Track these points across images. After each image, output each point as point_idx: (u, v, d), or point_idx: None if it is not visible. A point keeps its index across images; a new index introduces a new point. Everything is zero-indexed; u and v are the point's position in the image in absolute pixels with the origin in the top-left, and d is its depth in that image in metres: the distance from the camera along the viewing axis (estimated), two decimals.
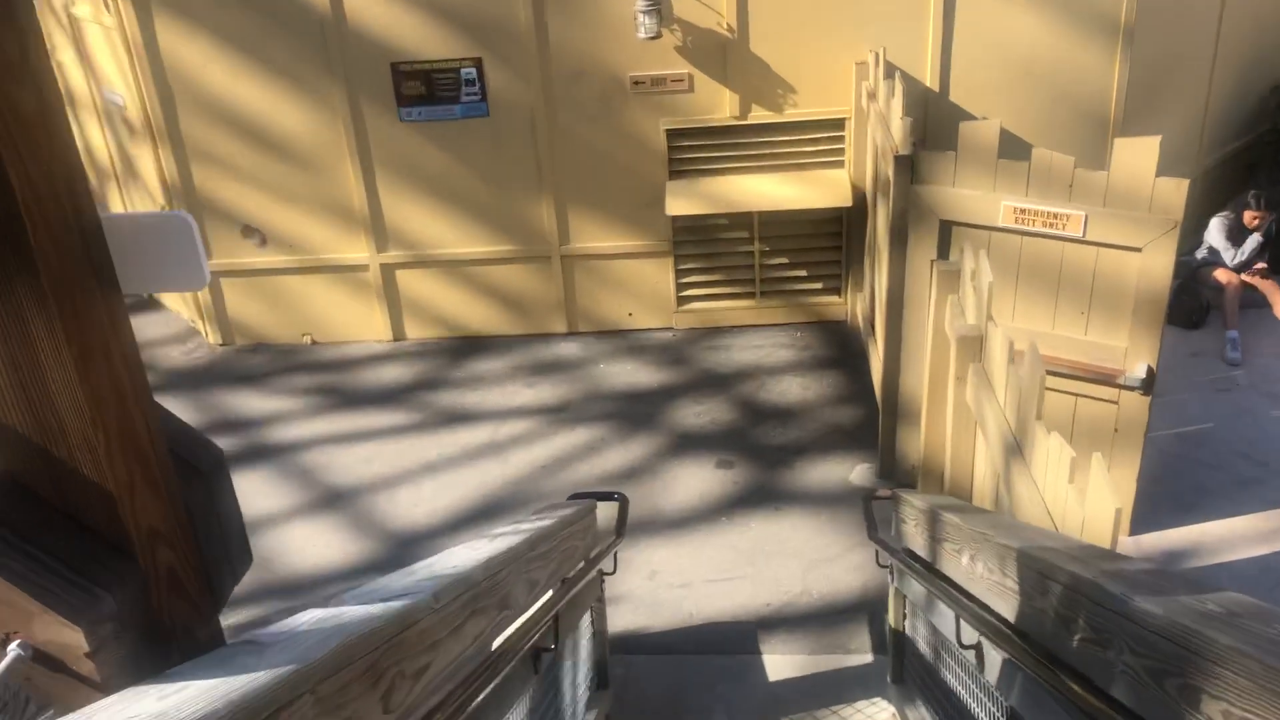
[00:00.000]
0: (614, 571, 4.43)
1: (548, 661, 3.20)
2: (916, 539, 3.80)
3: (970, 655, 2.84)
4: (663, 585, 5.49)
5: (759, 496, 6.07)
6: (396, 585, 2.07)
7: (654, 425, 6.76)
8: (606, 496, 4.70)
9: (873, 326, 6.88)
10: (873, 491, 4.48)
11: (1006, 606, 2.47)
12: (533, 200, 7.38)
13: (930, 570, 3.51)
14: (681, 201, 7.14)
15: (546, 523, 3.32)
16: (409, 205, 7.44)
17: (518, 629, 2.70)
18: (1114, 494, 2.64)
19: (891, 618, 4.50)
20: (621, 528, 4.48)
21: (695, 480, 6.23)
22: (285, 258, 7.63)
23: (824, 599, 5.34)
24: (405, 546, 5.88)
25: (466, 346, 7.78)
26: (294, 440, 6.83)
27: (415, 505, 6.19)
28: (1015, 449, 3.44)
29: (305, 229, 7.55)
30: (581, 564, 4.04)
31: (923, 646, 4.06)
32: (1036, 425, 3.20)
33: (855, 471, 6.23)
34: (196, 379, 7.59)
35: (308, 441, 6.82)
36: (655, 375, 7.28)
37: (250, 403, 7.26)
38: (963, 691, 3.27)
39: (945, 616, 3.27)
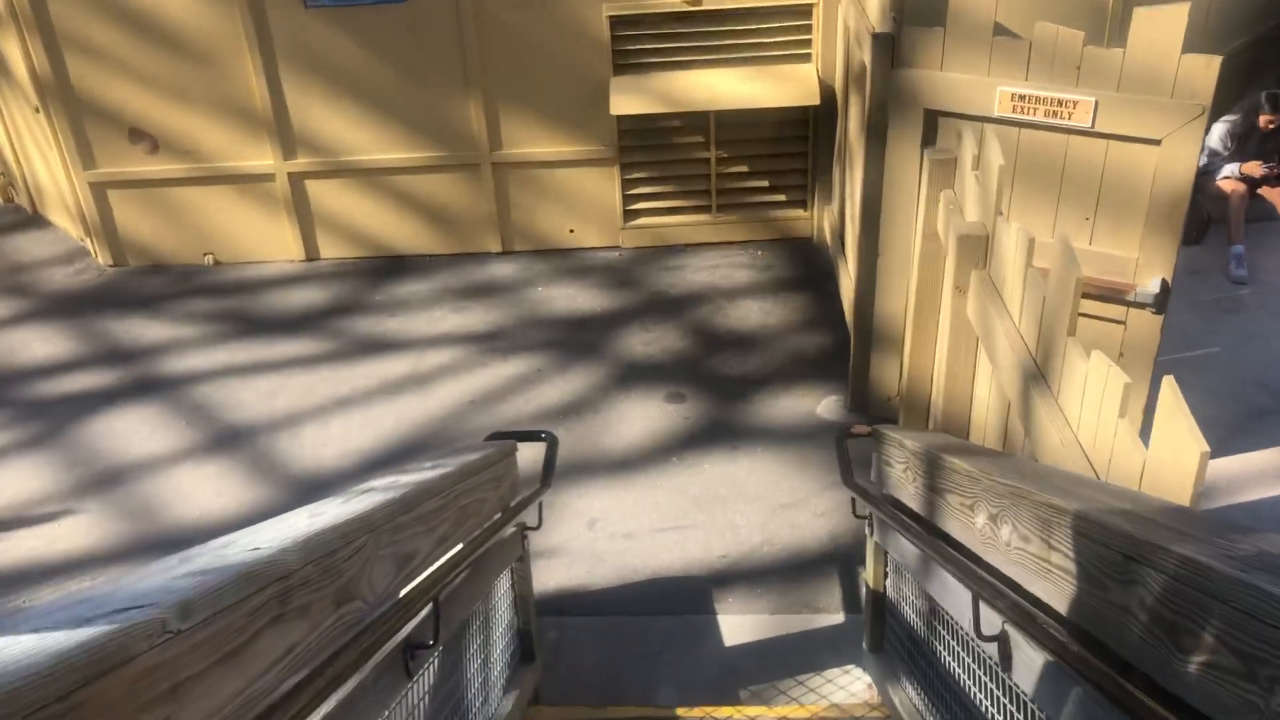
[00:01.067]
0: (539, 526, 3.69)
1: (430, 657, 2.46)
2: (906, 487, 3.08)
3: (990, 648, 2.13)
4: (603, 535, 4.77)
5: (714, 434, 5.35)
6: (134, 589, 1.31)
7: (597, 355, 6.00)
8: (531, 436, 3.95)
9: (843, 242, 6.14)
10: (848, 429, 3.77)
11: (1055, 595, 1.75)
12: (458, 100, 6.52)
13: (925, 526, 2.80)
14: (627, 100, 6.31)
15: (434, 474, 2.56)
16: (318, 105, 6.55)
17: (377, 621, 1.95)
18: (1196, 432, 1.92)
19: (870, 575, 3.81)
20: (549, 473, 3.74)
21: (643, 416, 5.49)
22: (181, 166, 6.73)
23: (788, 550, 4.64)
24: (307, 493, 5.10)
25: (388, 267, 6.95)
26: (188, 372, 6.00)
27: (322, 446, 5.42)
28: (1036, 375, 2.71)
29: (202, 133, 6.64)
30: (496, 517, 3.31)
31: (909, 615, 3.37)
32: (1070, 344, 2.47)
33: (823, 405, 5.52)
34: (81, 303, 6.71)
35: (204, 374, 6.00)
36: (599, 299, 6.51)
37: (141, 330, 6.40)
38: (969, 682, 2.57)
39: (948, 588, 2.56)
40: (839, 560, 4.58)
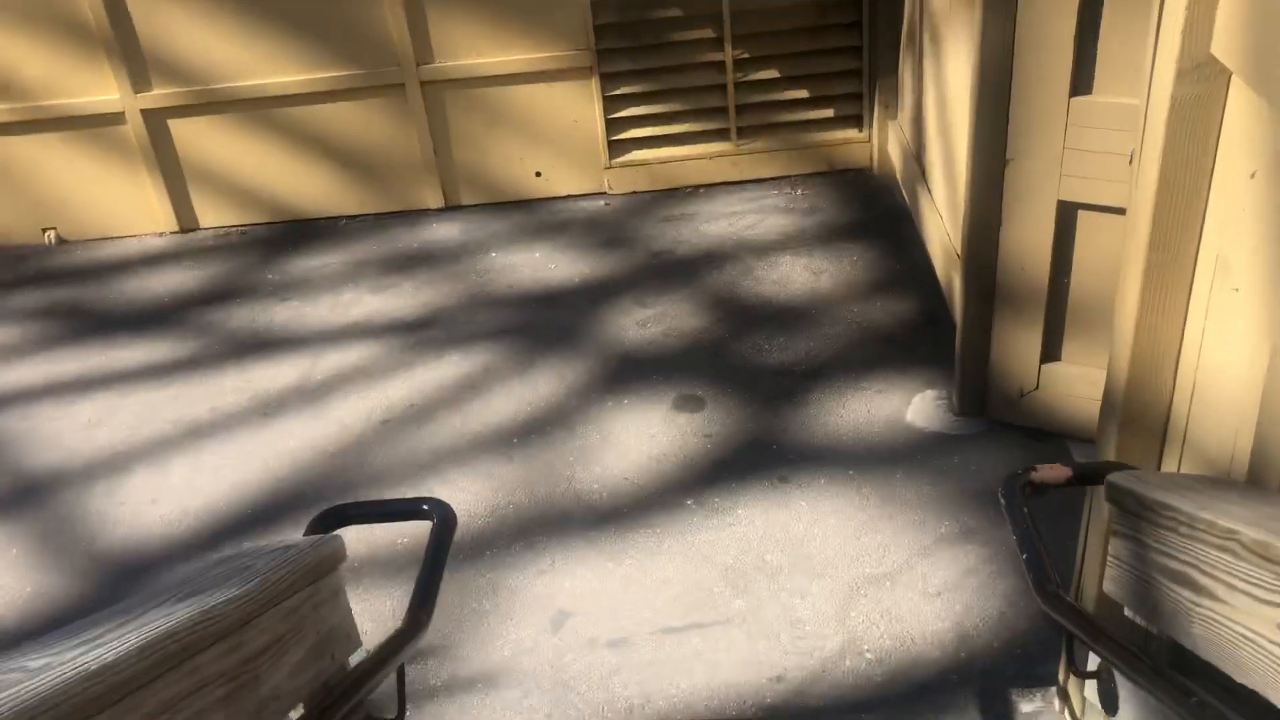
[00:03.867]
0: (400, 718, 1.78)
1: None
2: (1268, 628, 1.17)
3: None
4: (577, 643, 2.89)
5: (750, 459, 3.45)
6: None
7: (574, 343, 4.11)
8: (406, 511, 2.08)
9: (923, 166, 4.22)
10: (1025, 474, 1.84)
11: None
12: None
13: None
14: None
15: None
16: (174, 11, 4.67)
17: None
18: None
19: None
20: (422, 607, 1.79)
21: (640, 435, 3.60)
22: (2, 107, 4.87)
23: (887, 663, 2.75)
24: (117, 583, 3.25)
25: (288, 236, 5.07)
26: None
27: (151, 502, 3.55)
28: None
29: (16, 58, 4.77)
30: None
31: None
32: None
33: (916, 406, 3.61)
34: None
35: (9, 396, 4.14)
36: (578, 265, 4.61)
37: None
38: None
39: None
40: (976, 678, 2.68)
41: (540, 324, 4.24)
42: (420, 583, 1.85)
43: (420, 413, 3.82)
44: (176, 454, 3.75)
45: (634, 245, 4.70)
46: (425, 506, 1.93)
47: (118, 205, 5.11)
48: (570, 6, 4.61)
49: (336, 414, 3.86)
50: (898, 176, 4.72)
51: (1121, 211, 2.90)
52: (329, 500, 3.45)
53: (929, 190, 4.15)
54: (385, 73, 4.78)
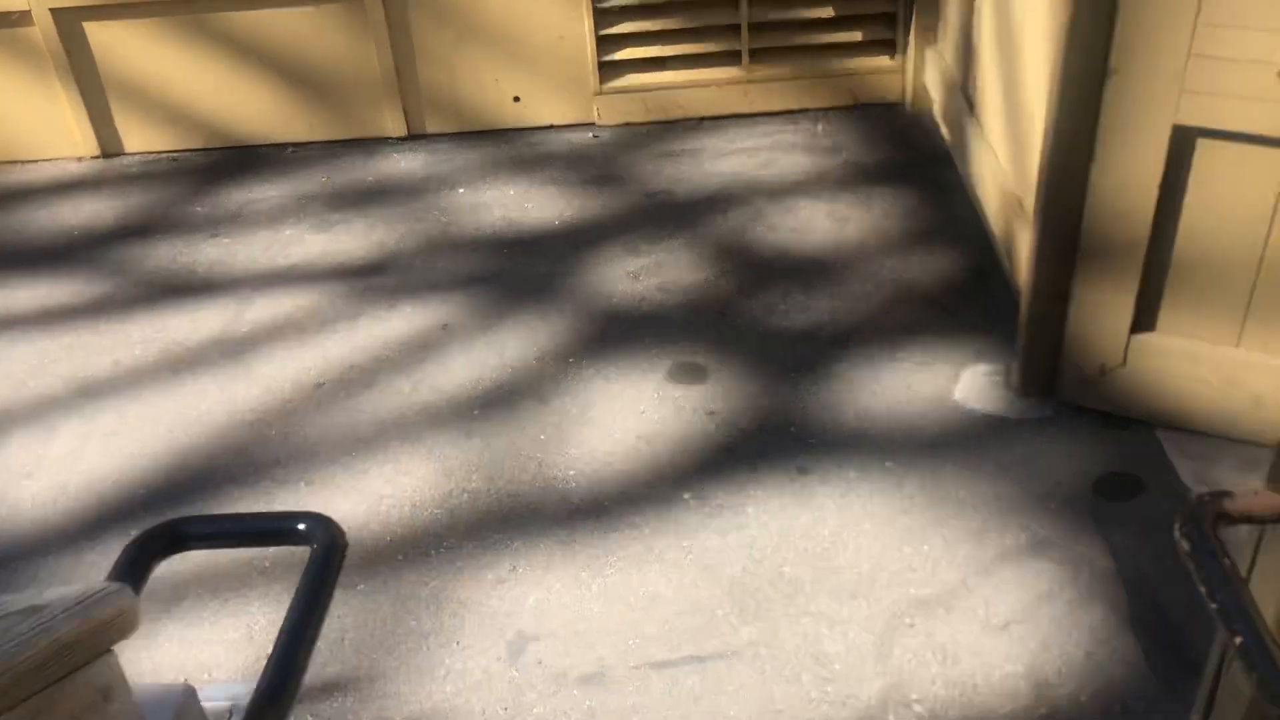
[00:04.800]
0: None
1: None
2: None
3: None
4: (541, 678, 2.24)
5: (762, 443, 2.80)
6: None
7: (550, 297, 3.44)
8: (271, 533, 1.42)
9: (968, 96, 3.55)
10: (1213, 501, 1.21)
11: None
12: None
13: None
14: None
15: None
16: None
17: None
18: None
19: None
20: (275, 693, 1.15)
21: (626, 408, 2.95)
22: None
23: (945, 715, 2.11)
24: None
25: (226, 164, 4.37)
26: None
27: (27, 476, 2.88)
28: None
29: None
30: None
31: None
32: None
33: (965, 382, 2.95)
34: None
35: None
36: (559, 206, 3.93)
37: None
38: None
39: None
40: None
41: (511, 273, 3.57)
42: (286, 634, 1.19)
43: (362, 376, 3.15)
44: (65, 416, 3.08)
45: (626, 184, 4.02)
46: (302, 526, 1.27)
47: (27, 124, 4.39)
48: None
49: (262, 374, 3.19)
50: (937, 112, 4.04)
51: (1265, 141, 2.25)
52: (240, 481, 2.80)
53: (980, 124, 3.48)
54: None
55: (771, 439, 2.80)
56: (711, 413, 2.90)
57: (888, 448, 2.75)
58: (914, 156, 4.03)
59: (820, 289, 3.35)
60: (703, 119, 4.35)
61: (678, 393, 2.98)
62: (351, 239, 3.81)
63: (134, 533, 2.49)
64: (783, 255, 3.54)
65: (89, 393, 3.16)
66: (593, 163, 4.17)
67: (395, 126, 4.36)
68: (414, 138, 4.38)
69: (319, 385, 3.12)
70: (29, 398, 3.16)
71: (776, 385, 2.98)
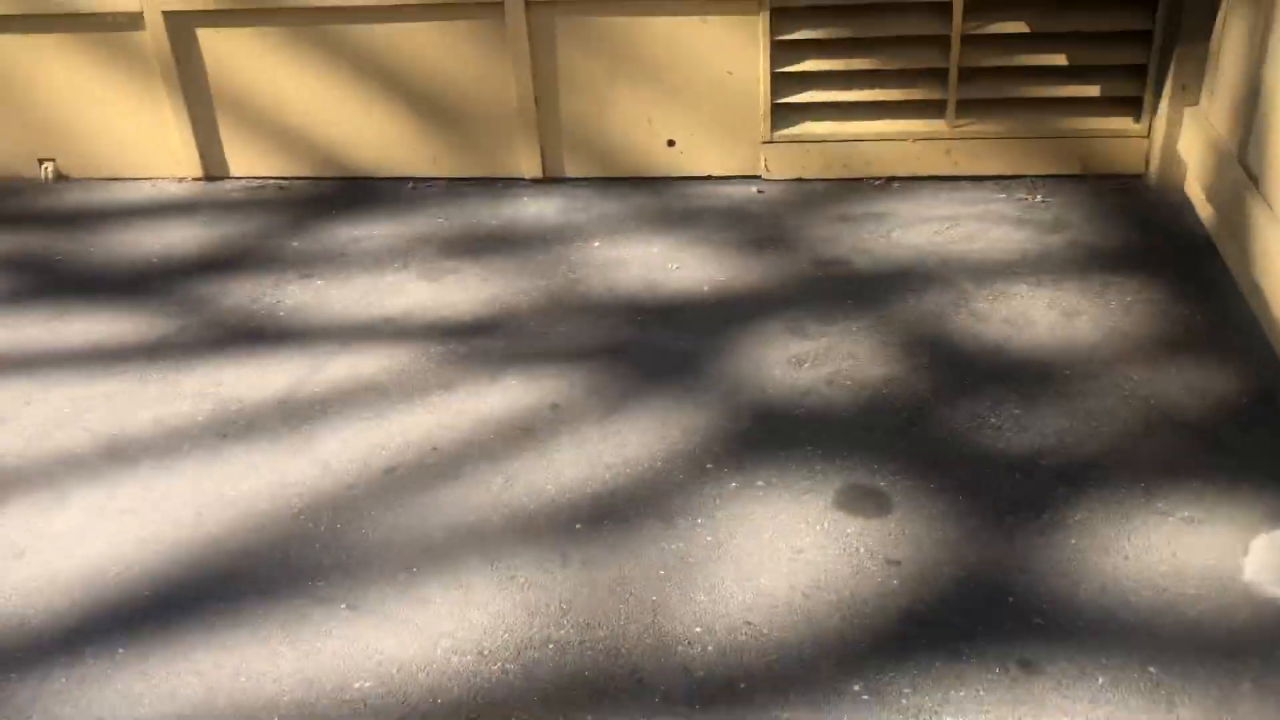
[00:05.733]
0: None
1: None
2: None
3: None
4: None
5: (966, 616, 2.00)
6: None
7: (690, 381, 2.72)
8: None
9: (1249, 167, 2.72)
10: None
11: None
12: None
13: None
14: None
15: None
16: None
17: None
18: None
19: None
20: None
21: (777, 544, 2.19)
22: None
23: None
24: None
25: (339, 195, 3.83)
26: None
27: (17, 555, 2.29)
28: None
29: None
30: None
31: None
32: None
33: (1260, 555, 2.10)
34: None
35: None
36: (711, 270, 3.22)
37: None
38: None
39: None
40: None
41: (644, 347, 2.87)
42: None
43: (444, 462, 2.49)
44: (81, 482, 2.50)
45: (794, 250, 3.30)
46: None
47: (130, 137, 3.96)
48: None
49: (324, 449, 2.56)
50: (1194, 187, 3.21)
51: None
52: (268, 593, 2.15)
53: (1269, 205, 2.64)
54: None
55: (980, 611, 2.00)
56: (895, 562, 2.12)
57: (1149, 643, 1.92)
58: (1162, 241, 3.19)
59: (1043, 402, 2.55)
60: (893, 179, 3.61)
61: (849, 528, 2.22)
62: (461, 292, 3.19)
63: (121, 652, 1.86)
64: (993, 353, 2.75)
65: (116, 455, 2.58)
66: (756, 222, 3.46)
67: (529, 166, 3.76)
68: (549, 180, 3.77)
69: (390, 470, 2.47)
70: (47, 453, 2.60)
71: (987, 531, 2.19)
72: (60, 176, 4.06)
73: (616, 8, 3.49)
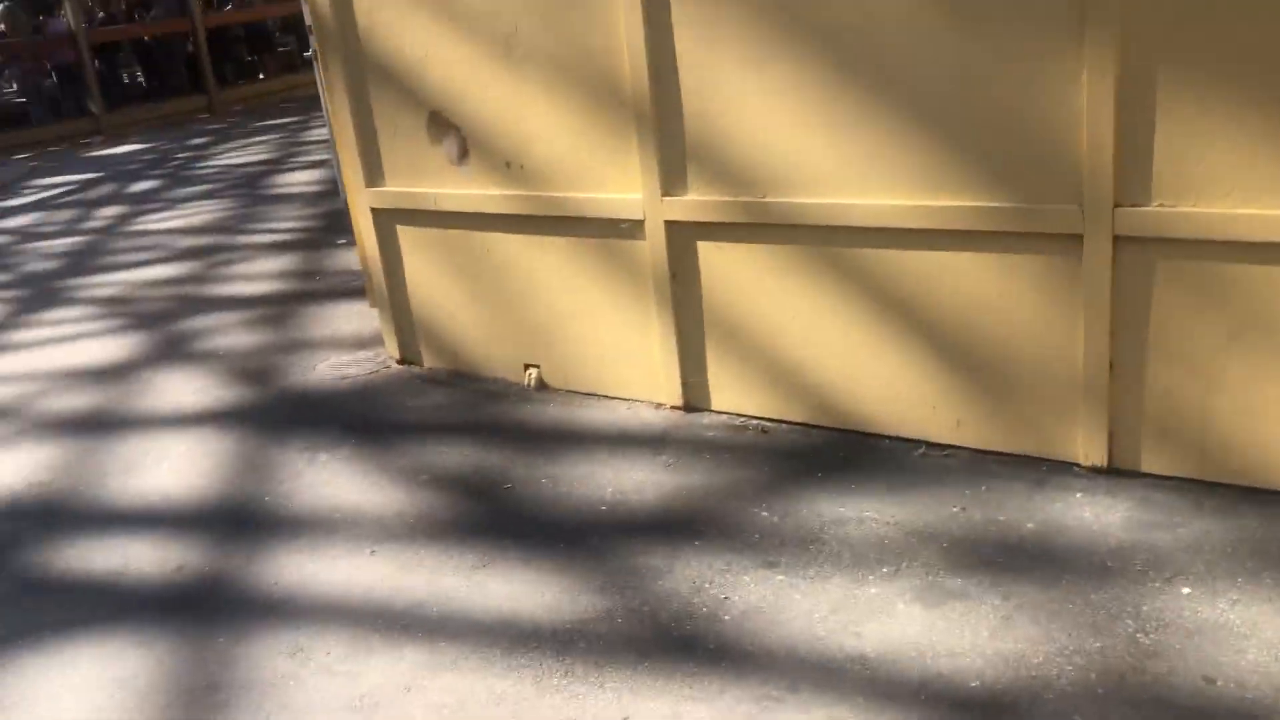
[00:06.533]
0: None
1: None
2: None
3: None
4: None
5: None
6: None
7: None
8: None
9: None
10: None
11: None
12: (1046, 75, 2.53)
13: None
14: None
15: None
16: (739, 80, 2.99)
17: None
18: None
19: None
20: None
21: None
22: (500, 193, 3.55)
23: None
24: None
25: (830, 450, 3.06)
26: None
27: None
28: None
29: (534, 128, 3.42)
30: None
31: None
32: None
33: None
34: (324, 415, 3.78)
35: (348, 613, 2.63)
36: None
37: (335, 490, 3.25)
38: None
39: None
40: None
41: None
42: None
43: None
44: None
45: None
46: None
47: (615, 353, 3.52)
48: None
49: None
50: None
51: None
52: None
53: None
54: (1051, 211, 2.62)
55: None
56: None
57: None
58: None
59: None
60: None
61: None
62: (969, 632, 2.24)
63: None
64: None
65: None
66: None
67: (1089, 450, 2.75)
68: (1115, 473, 2.72)
69: None
70: None
71: None
72: (542, 385, 3.72)
73: (1243, 251, 2.44)
